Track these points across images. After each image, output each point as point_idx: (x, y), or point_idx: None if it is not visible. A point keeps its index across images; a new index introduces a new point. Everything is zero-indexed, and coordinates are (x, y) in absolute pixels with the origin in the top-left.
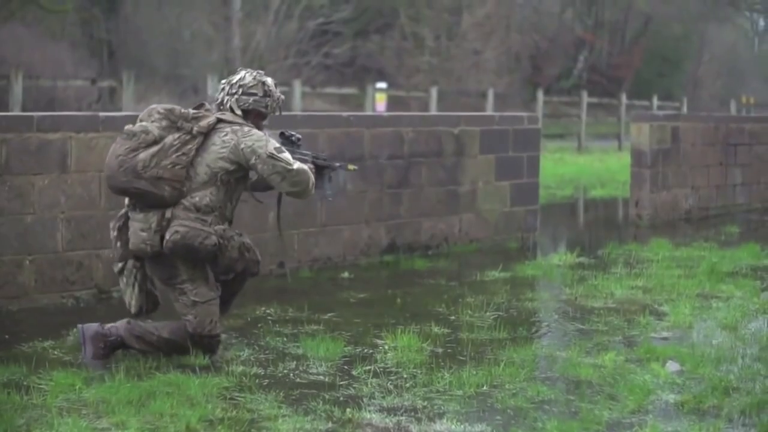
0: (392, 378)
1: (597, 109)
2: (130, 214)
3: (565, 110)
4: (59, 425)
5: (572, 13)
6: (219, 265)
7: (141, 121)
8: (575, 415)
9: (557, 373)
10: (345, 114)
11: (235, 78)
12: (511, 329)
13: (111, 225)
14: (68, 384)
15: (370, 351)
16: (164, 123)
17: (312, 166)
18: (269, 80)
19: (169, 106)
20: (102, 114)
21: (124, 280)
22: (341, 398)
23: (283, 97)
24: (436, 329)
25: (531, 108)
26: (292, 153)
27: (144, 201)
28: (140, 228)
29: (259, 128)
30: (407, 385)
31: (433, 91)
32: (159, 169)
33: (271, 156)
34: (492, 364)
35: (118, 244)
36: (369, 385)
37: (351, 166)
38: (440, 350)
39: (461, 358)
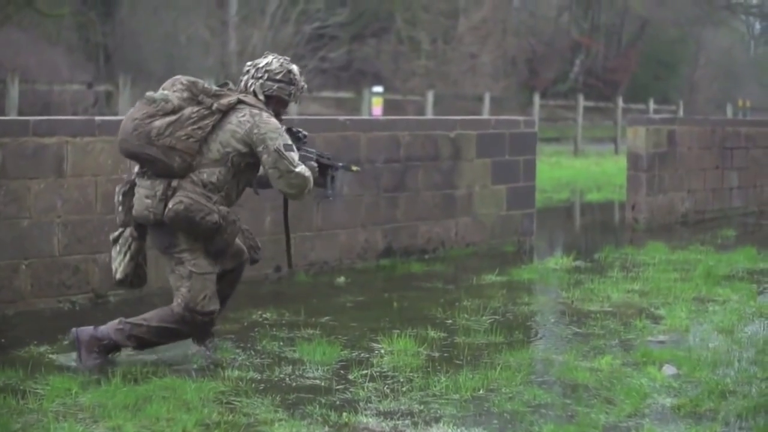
0: (388, 382)
1: (593, 113)
2: (137, 180)
3: (561, 114)
4: (55, 430)
5: (568, 16)
6: (214, 244)
7: (163, 89)
8: (572, 419)
9: (554, 376)
10: (341, 118)
11: (262, 62)
12: (508, 333)
13: (116, 189)
14: (64, 388)
15: (367, 355)
16: (186, 95)
17: (315, 164)
18: (295, 68)
19: (192, 78)
20: (98, 118)
21: (117, 248)
22: (338, 402)
23: (306, 86)
24: (432, 333)
25: (527, 112)
26: (297, 150)
27: (153, 168)
28: (145, 195)
29: (279, 115)
30: (404, 389)
31: (430, 95)
32: (172, 138)
33: (278, 151)
34: (488, 368)
35: (121, 209)
36: (365, 389)
37: (354, 167)
38: (437, 354)
39: (458, 362)
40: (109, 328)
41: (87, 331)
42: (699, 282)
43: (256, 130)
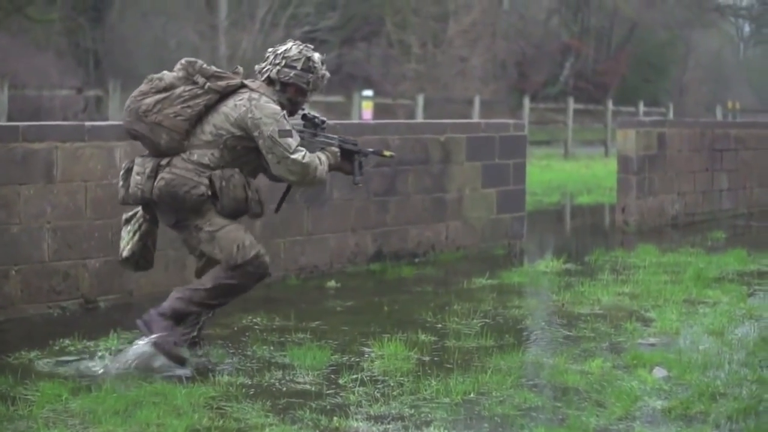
0: (379, 386)
1: (583, 116)
2: (135, 159)
3: (551, 117)
4: None
5: (558, 19)
6: (224, 207)
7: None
8: (562, 422)
9: (544, 380)
10: (332, 122)
11: (281, 48)
12: (498, 336)
13: (122, 166)
14: (55, 394)
15: (357, 359)
16: (181, 74)
17: (337, 150)
18: (316, 56)
19: (193, 59)
20: (88, 123)
21: (128, 227)
22: (328, 407)
23: (328, 74)
24: (423, 337)
25: (517, 115)
26: (314, 136)
27: (145, 146)
28: (137, 172)
29: (298, 104)
30: (394, 393)
31: (420, 99)
32: (160, 115)
33: (271, 137)
34: (479, 372)
35: (121, 184)
36: (356, 394)
37: (387, 153)
38: (427, 358)
39: (448, 365)
40: (170, 301)
41: (150, 314)
42: (689, 284)
43: (250, 115)
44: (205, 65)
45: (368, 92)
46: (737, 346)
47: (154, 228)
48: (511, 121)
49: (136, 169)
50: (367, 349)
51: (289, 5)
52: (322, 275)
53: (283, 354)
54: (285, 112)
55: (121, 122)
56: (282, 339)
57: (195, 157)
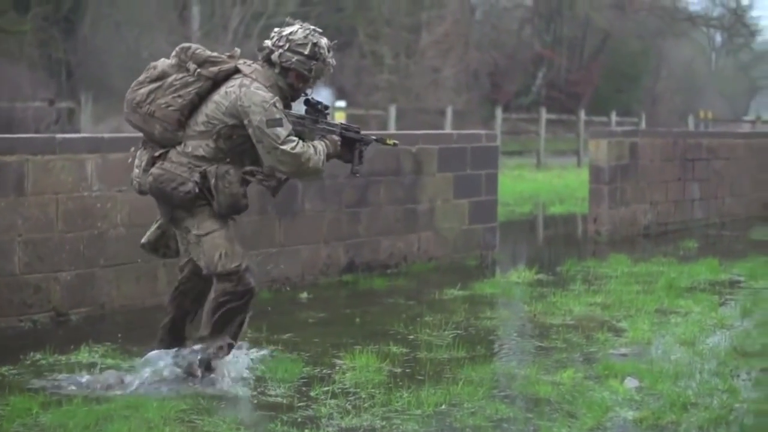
0: (351, 398)
1: (556, 126)
2: (138, 150)
3: (523, 127)
4: None
5: (531, 29)
6: (220, 205)
7: None
8: None
9: (516, 391)
10: None
11: (287, 30)
12: (470, 348)
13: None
14: (25, 408)
15: (329, 371)
16: (174, 61)
17: (338, 138)
18: (323, 41)
19: (187, 44)
20: (59, 136)
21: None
22: (299, 419)
23: (334, 62)
24: (394, 348)
25: (490, 125)
26: (315, 123)
27: (145, 136)
28: (136, 164)
29: (299, 92)
30: (366, 405)
31: (392, 109)
32: (152, 106)
33: (258, 127)
34: (450, 383)
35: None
36: (327, 406)
37: (390, 141)
38: (399, 370)
39: (420, 377)
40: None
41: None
42: (661, 294)
43: (239, 103)
44: (199, 50)
45: (341, 103)
46: (708, 355)
47: None
48: (483, 131)
49: (136, 161)
50: (338, 361)
51: (261, 16)
52: (294, 287)
53: (255, 366)
54: (277, 99)
55: (91, 135)
56: (253, 351)
57: (189, 149)
